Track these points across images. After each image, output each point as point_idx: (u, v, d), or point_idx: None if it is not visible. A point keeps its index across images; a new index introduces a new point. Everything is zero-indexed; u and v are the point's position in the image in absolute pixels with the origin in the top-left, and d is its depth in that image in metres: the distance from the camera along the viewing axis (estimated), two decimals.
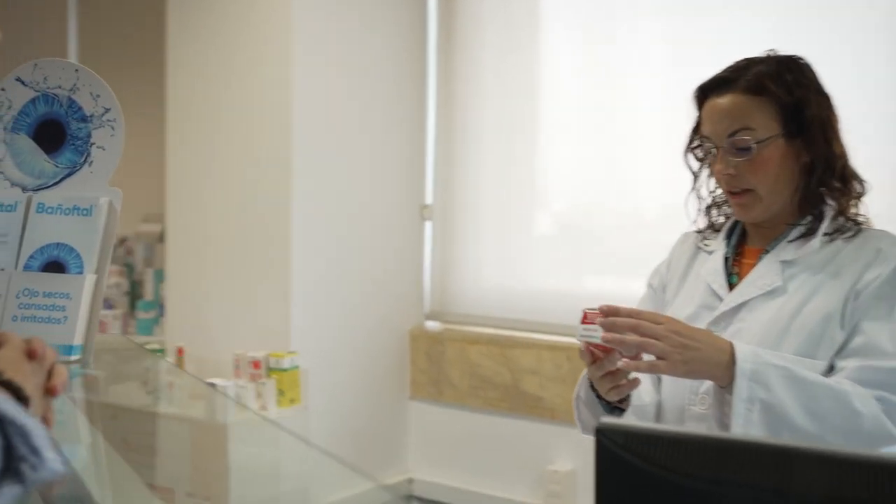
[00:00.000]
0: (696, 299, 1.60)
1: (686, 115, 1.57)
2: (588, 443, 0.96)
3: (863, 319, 1.43)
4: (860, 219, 1.56)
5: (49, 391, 0.87)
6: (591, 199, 3.23)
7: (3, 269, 1.41)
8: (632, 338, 1.34)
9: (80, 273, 1.40)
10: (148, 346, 3.05)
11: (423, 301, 3.55)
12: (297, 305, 3.01)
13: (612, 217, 3.17)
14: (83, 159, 1.47)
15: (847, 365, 1.40)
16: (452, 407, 3.37)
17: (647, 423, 1.04)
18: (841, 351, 1.43)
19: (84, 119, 1.48)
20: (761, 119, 1.47)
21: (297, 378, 2.90)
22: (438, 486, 3.38)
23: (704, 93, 1.54)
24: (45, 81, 1.50)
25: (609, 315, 1.36)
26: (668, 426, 1.10)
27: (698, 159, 1.58)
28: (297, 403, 2.91)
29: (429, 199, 3.54)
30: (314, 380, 3.01)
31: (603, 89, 3.15)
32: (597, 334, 1.39)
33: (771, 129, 1.47)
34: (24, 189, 1.47)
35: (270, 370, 2.88)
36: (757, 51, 1.54)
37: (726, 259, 1.61)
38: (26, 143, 1.49)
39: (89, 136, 1.48)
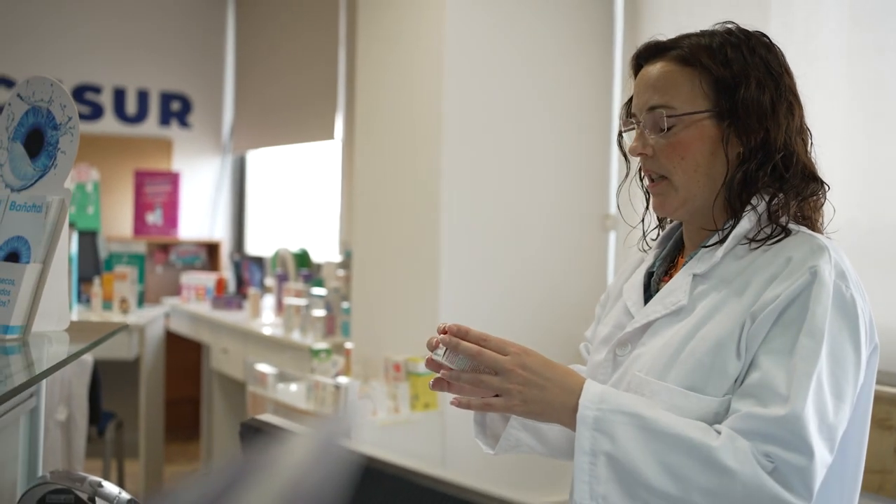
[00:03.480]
0: (614, 318, 1.40)
1: None
2: None
3: (761, 351, 1.16)
4: (806, 224, 1.26)
5: None
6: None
7: None
8: (467, 376, 1.20)
9: (28, 262, 1.59)
10: (317, 346, 3.27)
11: None
12: (445, 313, 3.03)
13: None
14: (52, 163, 1.67)
15: (739, 408, 1.14)
16: None
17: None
18: (740, 387, 1.17)
19: (56, 127, 1.68)
20: (687, 93, 1.24)
21: None
22: None
23: (638, 61, 1.34)
24: (33, 96, 1.72)
25: (457, 336, 1.22)
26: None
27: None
28: (432, 408, 2.93)
29: (612, 209, 3.37)
30: None
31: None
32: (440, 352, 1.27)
33: (696, 106, 1.24)
34: (13, 189, 1.70)
35: (408, 374, 2.94)
36: None
37: (651, 272, 1.39)
38: (19, 150, 1.71)
39: (58, 142, 1.67)
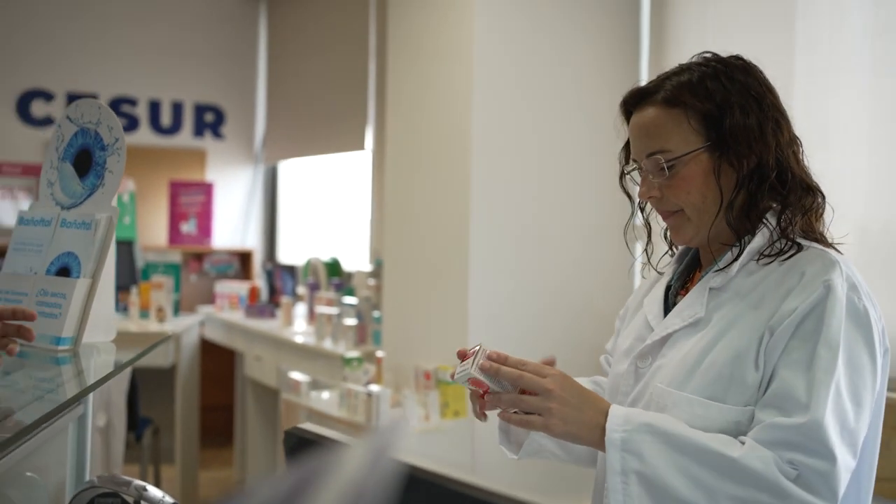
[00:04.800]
0: (635, 331, 1.47)
1: None
2: None
3: (780, 363, 1.22)
4: (812, 237, 1.32)
5: None
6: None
7: (35, 273, 1.73)
8: (508, 396, 1.28)
9: (78, 277, 1.67)
10: (348, 354, 3.34)
11: None
12: (475, 322, 3.09)
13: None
14: (99, 182, 1.75)
15: (762, 419, 1.20)
16: None
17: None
18: (762, 398, 1.23)
19: (103, 148, 1.76)
20: (679, 134, 1.32)
21: (462, 391, 2.99)
22: None
23: (627, 108, 1.41)
24: (82, 118, 1.80)
25: (497, 362, 1.29)
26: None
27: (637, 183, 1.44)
28: (462, 416, 2.99)
29: (638, 218, 3.41)
30: None
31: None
32: (468, 370, 1.33)
33: (690, 144, 1.31)
34: (63, 207, 1.78)
35: (439, 382, 3.01)
36: None
37: (669, 286, 1.45)
38: (68, 170, 1.80)
39: (105, 162, 1.75)
